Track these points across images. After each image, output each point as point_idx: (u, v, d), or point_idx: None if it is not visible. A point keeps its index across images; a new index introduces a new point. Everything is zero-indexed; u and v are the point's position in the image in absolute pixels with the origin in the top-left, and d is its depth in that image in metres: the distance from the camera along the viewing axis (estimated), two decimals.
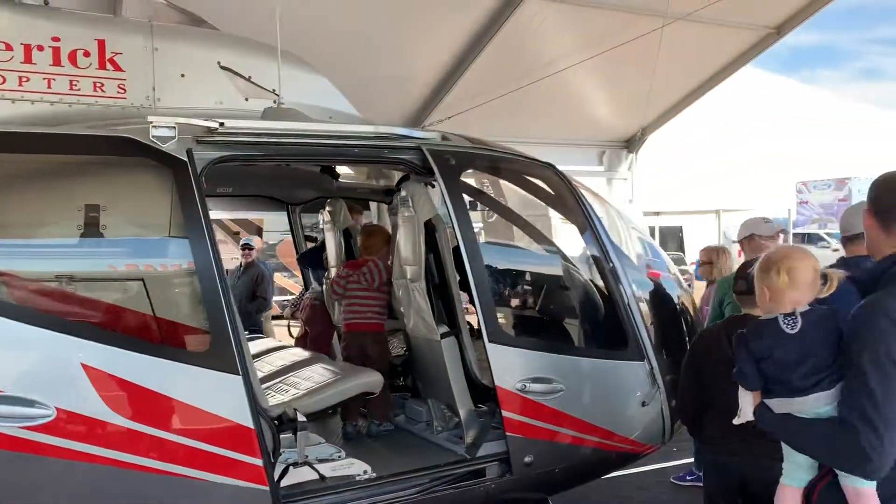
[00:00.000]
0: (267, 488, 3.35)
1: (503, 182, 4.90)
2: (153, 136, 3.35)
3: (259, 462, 3.34)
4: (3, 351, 3.00)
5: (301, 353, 4.93)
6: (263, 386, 4.25)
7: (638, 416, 4.44)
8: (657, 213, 26.31)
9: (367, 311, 4.80)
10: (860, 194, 26.30)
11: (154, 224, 3.48)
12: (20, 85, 3.76)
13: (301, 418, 3.62)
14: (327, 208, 5.55)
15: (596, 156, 12.11)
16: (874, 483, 2.31)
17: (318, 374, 4.19)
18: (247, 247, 9.00)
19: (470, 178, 4.38)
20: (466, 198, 4.34)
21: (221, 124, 3.56)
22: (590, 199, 4.60)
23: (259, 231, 18.54)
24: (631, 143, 12.08)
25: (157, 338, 3.38)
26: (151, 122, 3.36)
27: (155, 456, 3.16)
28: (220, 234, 15.18)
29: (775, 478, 2.85)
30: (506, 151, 4.50)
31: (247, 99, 4.34)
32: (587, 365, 4.32)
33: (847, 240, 3.52)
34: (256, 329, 7.16)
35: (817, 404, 2.41)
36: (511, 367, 3.99)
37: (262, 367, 4.68)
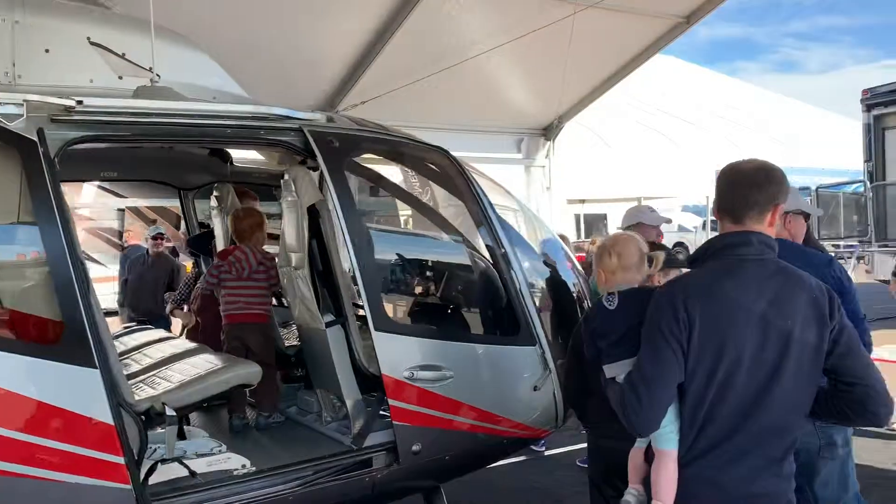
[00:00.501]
0: (130, 487, 3.17)
1: (392, 166, 4.80)
2: None
3: (121, 460, 3.16)
4: None
5: (184, 345, 4.73)
6: (138, 379, 4.06)
7: (530, 400, 4.41)
8: (582, 201, 26.72)
9: (239, 300, 4.65)
10: None
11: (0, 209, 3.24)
12: None
13: (170, 412, 3.46)
14: (215, 193, 5.35)
15: (514, 143, 12.13)
16: (670, 445, 2.52)
17: (195, 366, 4.02)
18: (159, 236, 8.55)
19: (359, 162, 4.27)
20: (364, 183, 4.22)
21: (80, 102, 3.34)
22: (484, 185, 4.53)
23: (178, 220, 17.96)
24: (548, 131, 12.13)
25: (3, 331, 3.16)
26: None
27: (3, 457, 2.95)
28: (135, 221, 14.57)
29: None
30: (396, 135, 4.39)
31: (121, 77, 4.10)
32: (478, 351, 4.27)
33: None
34: (146, 322, 6.81)
35: (620, 370, 2.65)
36: (398, 355, 3.90)
37: (141, 360, 4.47)
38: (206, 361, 4.05)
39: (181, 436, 4.00)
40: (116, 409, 3.15)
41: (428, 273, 4.69)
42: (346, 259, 4.08)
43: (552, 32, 9.12)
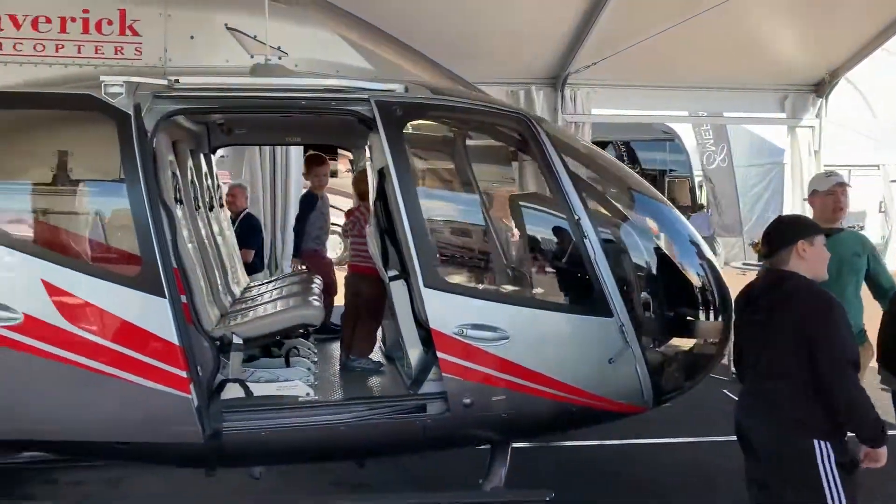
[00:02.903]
0: (190, 396, 3.92)
1: (461, 132, 4.94)
2: (105, 93, 3.98)
3: (184, 373, 3.91)
4: None
5: (296, 289, 5.43)
6: (247, 310, 4.85)
7: (604, 372, 4.35)
8: None
9: (359, 254, 5.18)
10: None
11: (107, 168, 4.13)
12: (56, 52, 4.57)
13: (237, 341, 4.15)
14: (350, 156, 5.95)
15: (776, 101, 10.94)
16: None
17: (277, 305, 4.68)
18: None
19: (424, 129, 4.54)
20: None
21: (177, 80, 4.08)
22: (571, 150, 4.53)
23: None
24: (819, 87, 10.71)
25: (102, 263, 4.07)
26: (103, 81, 3.98)
27: (97, 358, 3.86)
28: None
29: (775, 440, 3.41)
30: (473, 103, 4.55)
31: (252, 56, 4.81)
32: (541, 316, 4.33)
33: None
34: None
35: None
36: (447, 311, 4.15)
37: (265, 296, 5.30)
38: (285, 302, 4.70)
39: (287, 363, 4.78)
40: (183, 332, 3.89)
41: (496, 238, 4.78)
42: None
43: None
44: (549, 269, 4.60)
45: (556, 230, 4.47)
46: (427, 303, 4.11)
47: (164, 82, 4.07)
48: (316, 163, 6.72)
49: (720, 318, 4.75)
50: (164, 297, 3.87)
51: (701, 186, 21.23)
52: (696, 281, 4.77)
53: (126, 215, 3.97)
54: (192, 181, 5.18)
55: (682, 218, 4.96)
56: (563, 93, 9.99)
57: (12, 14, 4.47)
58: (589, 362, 4.35)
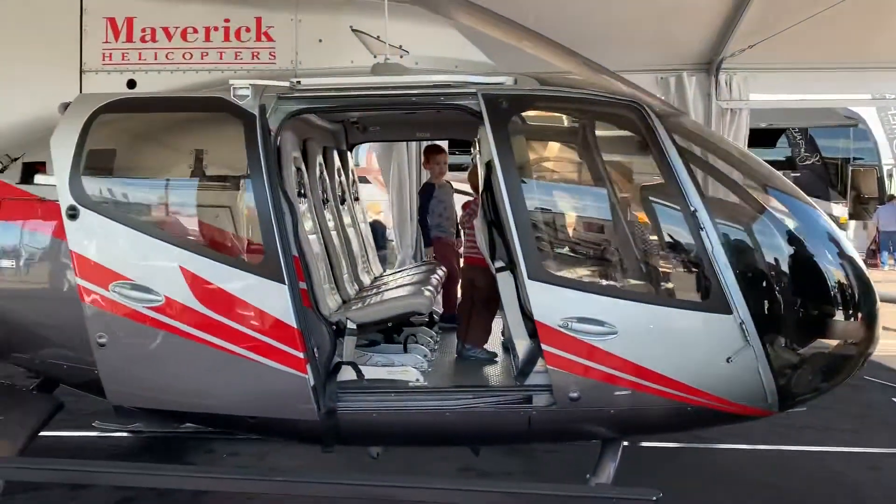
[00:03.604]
0: (305, 375, 4.19)
1: (568, 123, 4.83)
2: (234, 95, 4.32)
3: (301, 354, 4.18)
4: (134, 254, 4.32)
5: (416, 279, 5.56)
6: (366, 297, 5.08)
7: (721, 371, 4.17)
8: None
9: (472, 246, 5.27)
10: None
11: (236, 165, 4.47)
12: (202, 59, 5.02)
13: (351, 326, 4.38)
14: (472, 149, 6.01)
15: None
16: None
17: (389, 293, 4.85)
18: None
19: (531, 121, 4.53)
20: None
21: (298, 82, 4.35)
22: (691, 139, 4.36)
23: None
24: None
25: (230, 251, 4.43)
26: (232, 84, 4.31)
27: (225, 337, 4.22)
28: None
29: None
30: (582, 91, 4.49)
31: (375, 56, 5.02)
32: (652, 311, 4.21)
33: None
34: None
35: None
36: (552, 304, 4.15)
37: (389, 284, 5.51)
38: (400, 290, 4.86)
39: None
40: (301, 315, 4.16)
41: (606, 231, 4.64)
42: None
43: None
44: (662, 263, 4.44)
45: (671, 222, 4.31)
46: (531, 295, 4.13)
47: (287, 84, 4.35)
48: (433, 152, 6.93)
49: (859, 320, 4.39)
50: (284, 283, 4.16)
51: (890, 176, 19.47)
52: (831, 279, 4.42)
53: (251, 208, 4.31)
54: (322, 176, 5.49)
55: (820, 213, 4.62)
56: (717, 78, 9.44)
57: (165, 26, 4.97)
58: (704, 360, 4.19)
